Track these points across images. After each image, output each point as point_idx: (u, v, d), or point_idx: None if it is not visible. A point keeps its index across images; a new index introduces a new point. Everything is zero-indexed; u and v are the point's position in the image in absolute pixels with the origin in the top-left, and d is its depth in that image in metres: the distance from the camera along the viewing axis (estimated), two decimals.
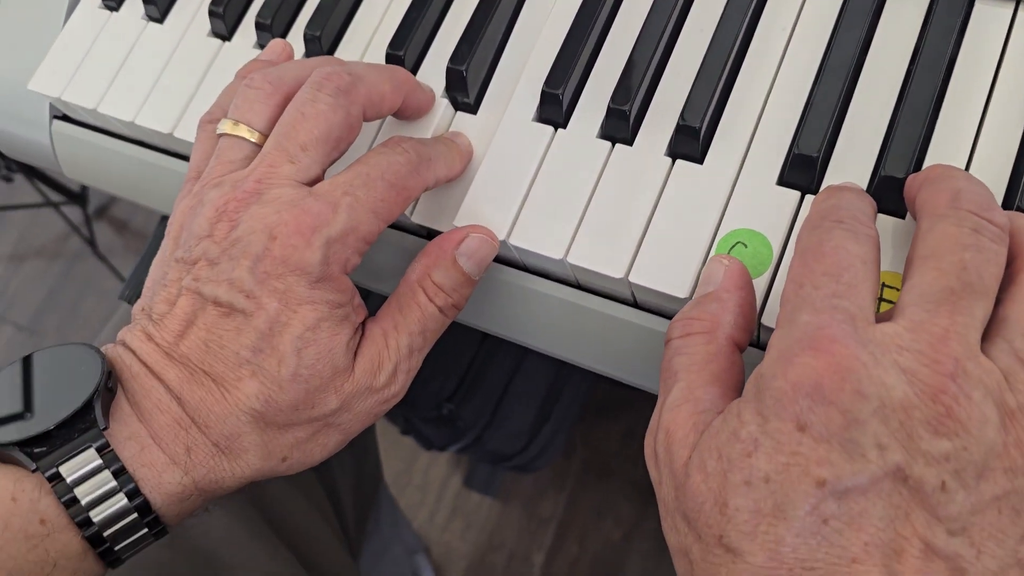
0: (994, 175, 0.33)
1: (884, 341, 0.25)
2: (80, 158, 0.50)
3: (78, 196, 1.42)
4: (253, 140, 0.35)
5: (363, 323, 0.35)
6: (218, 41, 0.45)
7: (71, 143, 0.49)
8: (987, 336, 0.26)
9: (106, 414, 0.31)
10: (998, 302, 0.26)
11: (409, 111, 0.38)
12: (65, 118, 0.49)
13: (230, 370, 0.32)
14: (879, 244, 0.28)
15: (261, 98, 0.35)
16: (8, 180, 1.43)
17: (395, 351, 0.34)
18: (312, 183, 0.33)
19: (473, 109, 0.39)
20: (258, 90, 0.35)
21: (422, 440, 0.95)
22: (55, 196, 1.42)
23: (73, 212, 1.46)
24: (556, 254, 0.36)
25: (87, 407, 0.30)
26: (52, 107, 0.49)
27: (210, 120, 0.37)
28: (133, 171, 0.48)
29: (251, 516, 0.48)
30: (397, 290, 0.36)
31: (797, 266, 0.28)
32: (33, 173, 1.34)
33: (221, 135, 0.35)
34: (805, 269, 0.27)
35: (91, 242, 1.44)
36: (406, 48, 0.40)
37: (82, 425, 0.30)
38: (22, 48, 0.50)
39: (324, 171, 0.34)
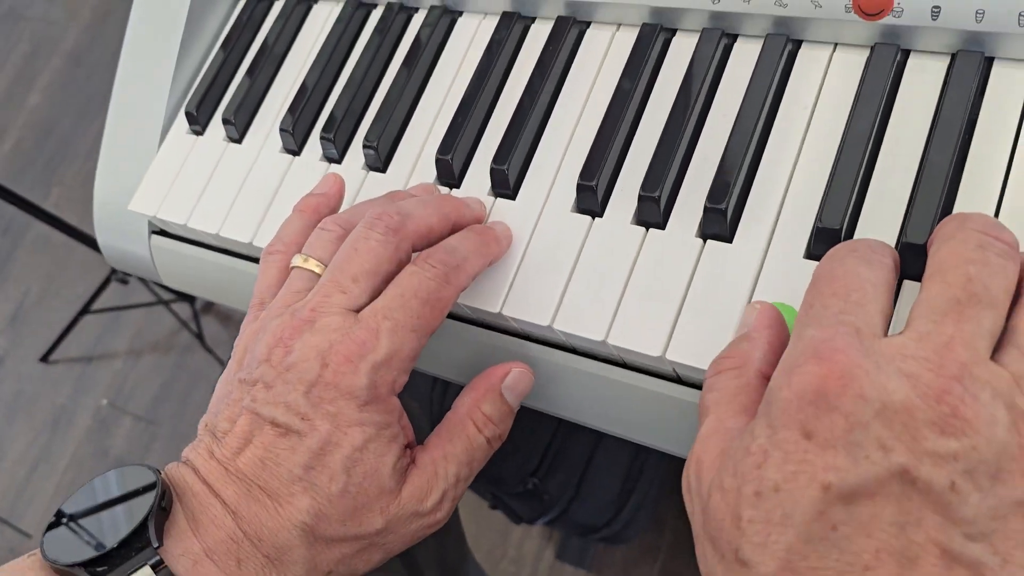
0: (1021, 230, 0.33)
1: (889, 351, 0.25)
2: (176, 267, 0.55)
3: (186, 295, 1.52)
4: (319, 272, 0.39)
5: (411, 448, 0.38)
6: (289, 156, 0.49)
7: (168, 255, 0.54)
8: (998, 347, 0.26)
9: (160, 532, 0.34)
10: (1009, 315, 0.26)
11: (465, 225, 0.41)
12: (162, 232, 0.55)
13: (284, 486, 0.34)
14: (895, 271, 0.29)
15: (332, 239, 0.39)
16: (124, 283, 1.54)
17: (443, 479, 0.37)
18: (360, 310, 0.37)
19: (512, 196, 0.42)
20: (330, 232, 0.40)
21: (511, 514, 0.96)
22: (166, 295, 1.52)
23: (182, 309, 1.57)
24: (597, 336, 0.38)
25: (143, 527, 0.33)
26: (150, 224, 0.54)
27: (271, 252, 0.42)
28: (222, 277, 0.52)
29: None
30: (446, 421, 0.39)
31: (809, 290, 0.29)
32: None
33: (294, 267, 0.39)
34: (815, 291, 0.28)
35: (199, 336, 1.53)
36: (452, 153, 0.43)
37: (138, 544, 0.33)
38: (123, 173, 0.55)
39: (372, 299, 0.37)
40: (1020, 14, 0.34)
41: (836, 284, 0.28)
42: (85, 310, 1.60)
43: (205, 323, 1.55)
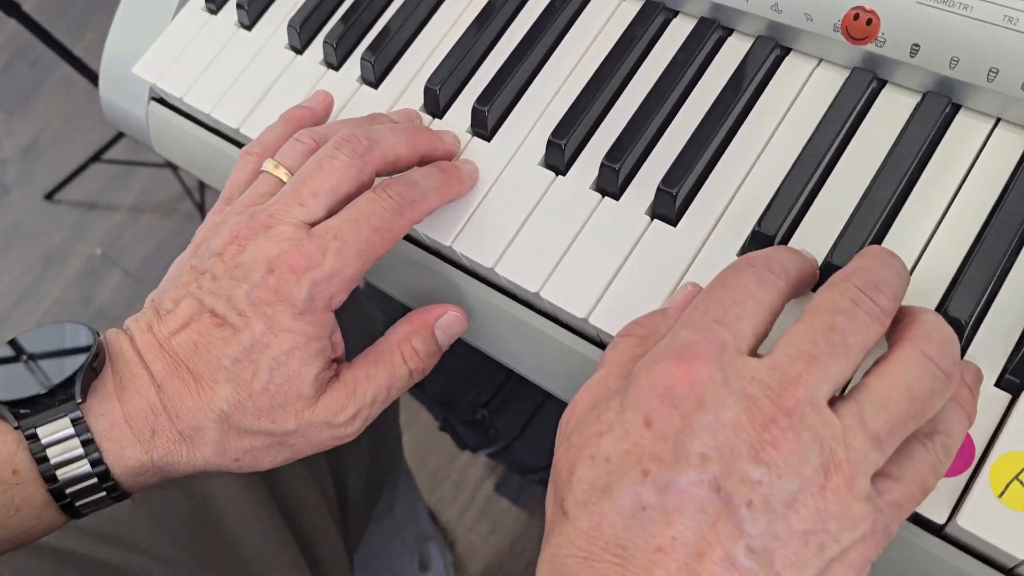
0: (935, 281, 0.35)
1: (743, 370, 0.28)
2: (168, 136, 0.56)
3: None
4: (285, 180, 0.40)
5: (338, 363, 0.40)
6: (292, 54, 0.51)
7: (162, 123, 0.56)
8: (845, 398, 0.28)
9: (86, 390, 0.36)
10: (867, 374, 0.29)
11: (435, 159, 0.43)
12: (161, 101, 0.56)
13: (210, 372, 0.37)
14: (785, 295, 0.31)
15: (303, 151, 0.41)
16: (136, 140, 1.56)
17: (361, 398, 0.39)
18: (315, 224, 0.38)
19: (488, 138, 0.44)
20: (303, 144, 0.41)
21: (457, 439, 1.00)
22: None
23: (189, 178, 1.58)
24: (533, 287, 0.40)
25: (70, 381, 0.36)
26: (151, 90, 0.56)
27: (248, 152, 0.43)
28: (207, 154, 0.54)
29: (252, 475, 0.53)
30: (376, 345, 0.41)
31: (702, 292, 0.31)
32: None
33: (263, 172, 0.41)
34: (705, 295, 0.31)
35: (200, 206, 1.56)
36: (441, 85, 0.45)
37: (63, 396, 0.36)
38: (136, 35, 0.57)
39: (329, 216, 0.39)
40: (990, 70, 0.35)
41: (724, 293, 0.30)
42: (96, 157, 1.62)
43: (208, 195, 1.57)
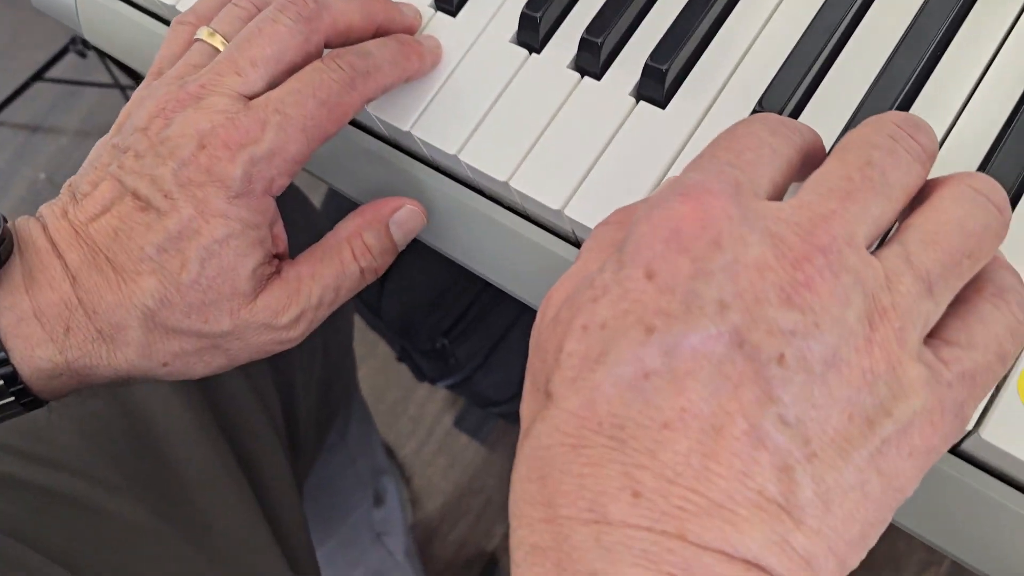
0: (966, 157, 0.31)
1: (763, 210, 0.23)
2: (99, 21, 0.50)
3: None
4: (223, 50, 0.35)
5: (280, 259, 0.35)
6: None
7: (92, 5, 0.50)
8: (886, 242, 0.24)
9: None
10: (906, 215, 0.25)
11: (392, 32, 0.38)
12: None
13: (132, 262, 0.32)
14: (803, 152, 0.26)
15: (243, 17, 0.36)
16: (82, 56, 1.47)
17: (305, 298, 0.35)
18: (254, 97, 0.34)
19: (453, 13, 0.39)
20: (242, 8, 0.36)
21: (415, 370, 0.96)
22: (124, 79, 1.46)
23: None
24: (501, 176, 0.35)
25: None
26: None
27: (182, 22, 0.38)
28: (142, 39, 0.48)
29: (192, 391, 0.49)
30: (323, 241, 0.36)
31: (707, 146, 0.26)
32: (105, 54, 1.37)
33: (197, 40, 0.36)
34: (711, 145, 0.26)
35: None
36: None
37: None
38: None
39: (270, 88, 0.34)
40: None
41: (733, 140, 0.25)
42: (39, 75, 1.53)
43: None
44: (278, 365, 0.56)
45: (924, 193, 0.25)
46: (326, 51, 0.36)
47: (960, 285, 0.24)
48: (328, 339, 0.65)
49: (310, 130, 0.33)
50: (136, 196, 0.33)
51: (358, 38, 0.36)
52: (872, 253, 0.23)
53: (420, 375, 0.96)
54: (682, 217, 0.22)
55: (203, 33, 0.36)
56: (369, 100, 0.35)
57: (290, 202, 0.51)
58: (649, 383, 0.21)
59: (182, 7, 0.44)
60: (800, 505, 0.21)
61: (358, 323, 0.91)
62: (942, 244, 0.23)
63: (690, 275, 0.22)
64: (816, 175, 0.24)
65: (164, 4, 0.45)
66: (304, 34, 0.34)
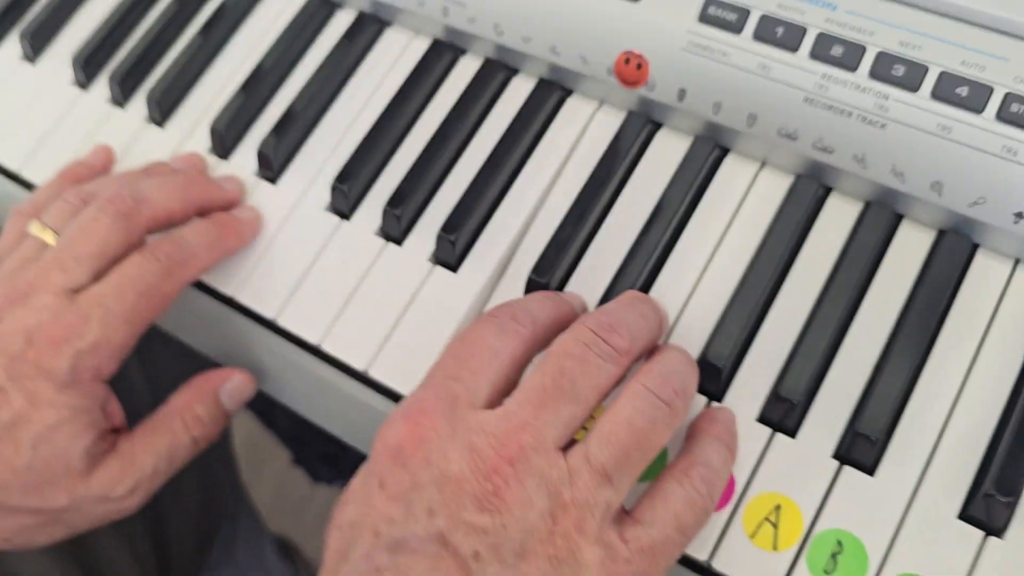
0: (701, 327, 0.35)
1: (472, 423, 0.28)
2: None
3: None
4: (52, 244, 0.38)
5: (117, 433, 0.38)
6: (77, 90, 0.48)
7: None
8: (576, 440, 0.28)
9: None
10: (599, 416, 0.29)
11: (213, 210, 0.41)
12: None
13: None
14: (532, 343, 0.31)
15: (71, 211, 0.38)
16: None
17: (139, 470, 0.37)
18: (80, 291, 0.36)
19: (274, 181, 0.42)
20: (70, 204, 0.39)
21: (311, 473, 0.97)
22: None
23: None
24: (314, 339, 0.38)
25: None
26: None
27: (20, 212, 0.40)
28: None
29: (65, 557, 0.50)
30: (157, 413, 0.39)
31: (446, 347, 0.31)
32: None
33: (28, 234, 0.38)
34: (445, 352, 0.31)
35: None
36: (226, 127, 0.43)
37: None
38: None
39: (95, 280, 0.36)
40: (750, 115, 0.36)
41: (462, 347, 0.30)
42: None
43: None
44: (151, 522, 0.57)
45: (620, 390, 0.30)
46: (149, 237, 0.38)
47: (638, 472, 0.28)
48: (204, 458, 0.66)
49: (132, 320, 0.36)
50: None
51: (180, 220, 0.39)
52: (564, 450, 0.27)
53: (315, 476, 0.97)
54: (402, 436, 0.28)
55: (34, 228, 0.38)
56: (190, 282, 0.38)
57: (170, 341, 0.53)
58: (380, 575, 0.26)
59: (29, 173, 0.46)
60: None
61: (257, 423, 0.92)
62: (613, 442, 0.28)
63: (409, 488, 0.27)
64: (523, 382, 0.29)
65: (9, 168, 0.47)
66: (124, 229, 0.37)
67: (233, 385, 0.40)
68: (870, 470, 0.31)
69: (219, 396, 0.40)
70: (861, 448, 0.31)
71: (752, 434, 0.33)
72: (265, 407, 0.90)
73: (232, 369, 0.41)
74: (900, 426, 0.32)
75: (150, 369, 0.52)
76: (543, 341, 0.31)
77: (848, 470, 0.32)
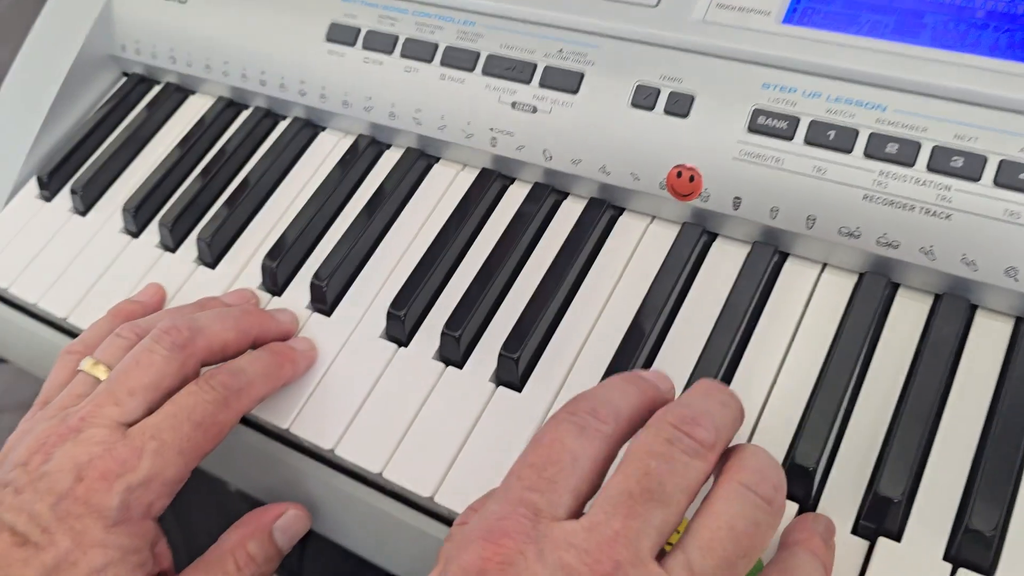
0: (781, 426, 0.34)
1: (558, 538, 0.25)
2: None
3: None
4: (103, 379, 0.37)
5: (164, 575, 0.36)
6: (127, 237, 0.49)
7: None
8: (674, 547, 0.26)
9: None
10: (694, 514, 0.27)
11: (268, 341, 0.40)
12: None
13: None
14: (614, 441, 0.28)
15: (124, 347, 0.38)
16: None
17: None
18: (133, 424, 0.35)
19: (328, 313, 0.42)
20: (124, 339, 0.39)
21: None
22: None
23: None
24: (375, 468, 0.37)
25: None
26: None
27: (70, 351, 0.40)
28: (35, 345, 0.50)
29: None
30: (208, 554, 0.37)
31: (521, 453, 0.29)
32: None
33: (80, 371, 0.38)
34: (521, 457, 0.28)
35: None
36: (279, 262, 0.43)
37: None
38: None
39: (149, 414, 0.36)
40: (808, 217, 0.36)
41: (538, 453, 0.28)
42: None
43: None
44: None
45: (709, 491, 0.28)
46: (204, 369, 0.38)
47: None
48: None
49: (187, 452, 0.35)
50: (13, 532, 0.33)
51: (235, 352, 0.39)
52: (662, 556, 0.26)
53: None
54: (485, 560, 0.25)
55: (86, 364, 0.38)
56: (246, 412, 0.37)
57: (202, 487, 0.51)
58: None
59: (75, 319, 0.46)
60: None
61: None
62: (717, 551, 0.26)
63: None
64: (604, 489, 0.27)
65: (57, 316, 0.47)
66: (179, 360, 0.36)
67: (287, 520, 0.38)
68: (988, 570, 0.29)
69: (273, 533, 0.38)
70: (973, 546, 0.29)
71: (846, 543, 0.31)
72: (294, 564, 0.87)
73: (285, 503, 0.39)
74: (1012, 521, 0.30)
75: (179, 508, 0.50)
76: (628, 435, 0.29)
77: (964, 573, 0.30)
